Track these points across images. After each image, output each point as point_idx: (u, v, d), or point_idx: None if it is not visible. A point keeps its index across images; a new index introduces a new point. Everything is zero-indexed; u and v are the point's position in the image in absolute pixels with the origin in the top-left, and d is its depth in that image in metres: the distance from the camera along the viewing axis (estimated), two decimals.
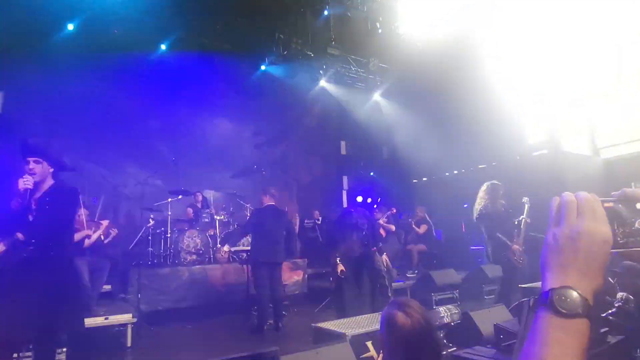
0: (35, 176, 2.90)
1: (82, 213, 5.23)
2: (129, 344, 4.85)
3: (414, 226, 8.13)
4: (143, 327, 5.33)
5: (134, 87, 7.49)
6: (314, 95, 9.17)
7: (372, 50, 8.32)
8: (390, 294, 5.60)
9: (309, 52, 8.27)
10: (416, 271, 7.60)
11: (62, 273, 3.01)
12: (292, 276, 7.48)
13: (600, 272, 0.64)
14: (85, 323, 4.64)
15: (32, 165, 2.92)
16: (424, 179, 9.61)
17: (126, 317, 4.90)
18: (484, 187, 5.29)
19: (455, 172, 9.20)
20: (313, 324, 4.85)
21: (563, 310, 0.60)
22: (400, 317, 1.68)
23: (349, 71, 8.79)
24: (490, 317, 3.42)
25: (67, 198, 3.07)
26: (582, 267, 0.64)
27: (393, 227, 7.50)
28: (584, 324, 0.61)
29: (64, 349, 4.00)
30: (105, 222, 5.51)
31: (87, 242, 5.26)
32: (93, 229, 5.35)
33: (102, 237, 5.44)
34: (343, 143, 9.56)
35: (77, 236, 5.04)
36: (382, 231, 7.29)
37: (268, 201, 5.88)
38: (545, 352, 0.59)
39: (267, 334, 5.42)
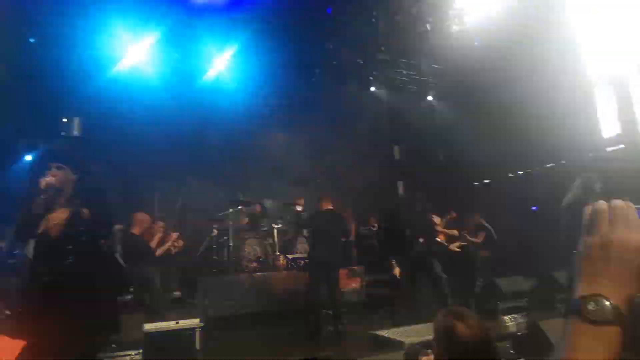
0: (56, 180, 2.82)
1: (161, 224, 5.80)
2: (198, 347, 5.17)
3: (468, 237, 7.73)
4: (210, 332, 5.66)
5: (196, 103, 8.00)
6: (364, 101, 9.22)
7: (423, 52, 8.22)
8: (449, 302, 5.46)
9: (358, 60, 8.35)
10: (480, 279, 7.31)
11: (108, 278, 3.12)
12: (350, 283, 7.53)
13: (635, 280, 0.65)
14: (158, 326, 5.07)
15: (54, 171, 2.84)
16: (486, 180, 9.24)
17: (195, 322, 5.23)
18: (577, 182, 4.93)
19: (520, 172, 8.74)
20: (370, 331, 4.90)
21: (593, 318, 0.61)
22: (460, 327, 1.58)
23: (400, 75, 8.75)
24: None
25: (96, 197, 2.99)
26: (614, 275, 0.64)
27: (456, 232, 7.29)
28: (615, 331, 0.61)
29: (140, 350, 4.37)
30: (174, 235, 5.96)
31: (158, 252, 5.72)
32: (165, 240, 5.84)
33: (172, 249, 5.89)
34: (396, 148, 9.48)
35: (155, 245, 5.56)
36: (441, 236, 7.12)
37: (326, 205, 6.00)
38: (574, 358, 0.61)
39: (325, 339, 5.51)
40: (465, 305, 5.24)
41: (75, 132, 6.31)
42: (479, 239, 7.71)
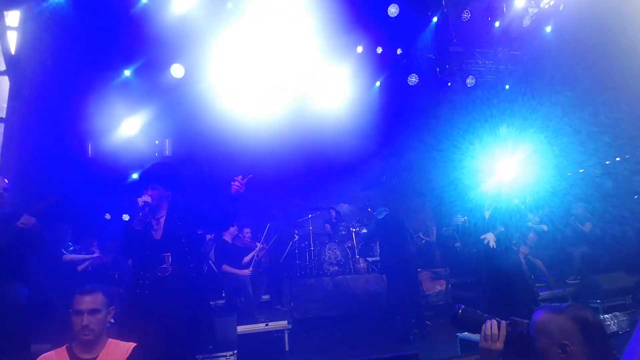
0: (153, 201, 3.14)
1: (248, 231, 6.43)
2: (287, 348, 5.59)
3: (578, 224, 7.31)
4: (297, 333, 6.06)
5: (274, 114, 8.51)
6: (439, 96, 9.12)
7: (498, 39, 7.99)
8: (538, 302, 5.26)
9: (430, 55, 8.33)
10: (579, 277, 6.86)
11: (203, 283, 3.49)
12: (435, 286, 7.52)
13: None
14: (250, 328, 5.57)
15: (149, 192, 3.17)
16: (581, 170, 8.62)
17: (283, 324, 5.67)
18: None
19: (607, 162, 8.09)
20: (459, 334, 4.91)
21: None
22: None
23: (475, 65, 8.54)
24: None
25: (189, 213, 3.32)
26: None
27: (545, 228, 6.95)
28: None
29: (235, 351, 4.85)
30: (259, 245, 6.52)
31: (245, 259, 6.28)
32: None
33: (256, 257, 6.43)
34: (476, 143, 9.21)
35: (246, 258, 6.16)
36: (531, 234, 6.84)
37: (381, 215, 6.20)
38: None
39: (412, 343, 5.61)
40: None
41: (167, 153, 7.19)
42: (587, 229, 7.27)
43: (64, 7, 5.77)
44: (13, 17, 5.85)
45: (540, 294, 6.25)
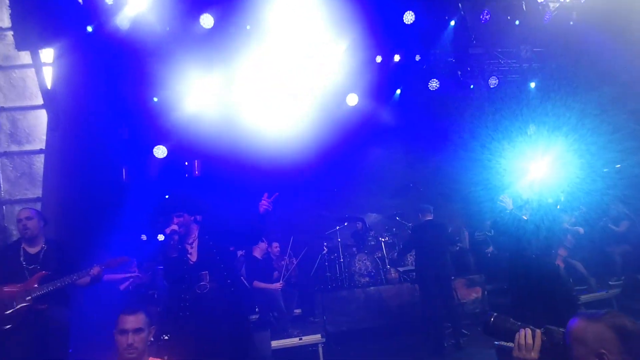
0: (180, 228, 3.36)
1: (277, 246, 6.60)
2: None
3: (610, 225, 7.12)
4: (331, 347, 6.12)
5: (297, 127, 8.71)
6: (462, 99, 9.08)
7: (520, 38, 7.92)
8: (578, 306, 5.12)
9: (450, 59, 8.35)
10: (622, 277, 6.63)
11: (240, 298, 3.60)
12: (470, 293, 7.42)
13: None
14: (284, 343, 5.69)
15: (175, 221, 3.38)
16: (617, 165, 8.33)
17: (316, 338, 5.76)
18: None
19: None
20: (496, 342, 4.84)
21: None
22: (630, 323, 1.54)
23: (498, 66, 8.47)
24: None
25: (220, 233, 3.52)
26: None
27: (581, 230, 6.77)
28: None
29: None
30: (286, 260, 6.67)
31: (275, 274, 6.43)
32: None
33: (286, 271, 6.57)
34: (506, 143, 9.09)
35: (277, 273, 6.32)
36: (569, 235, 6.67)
37: (425, 216, 6.15)
38: None
39: (448, 353, 5.57)
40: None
41: (196, 173, 7.51)
42: (621, 229, 7.04)
43: (94, 42, 6.17)
44: (48, 54, 6.30)
45: (582, 297, 6.08)
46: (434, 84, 8.43)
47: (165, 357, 2.78)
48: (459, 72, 8.61)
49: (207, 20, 6.36)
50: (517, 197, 5.78)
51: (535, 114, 8.59)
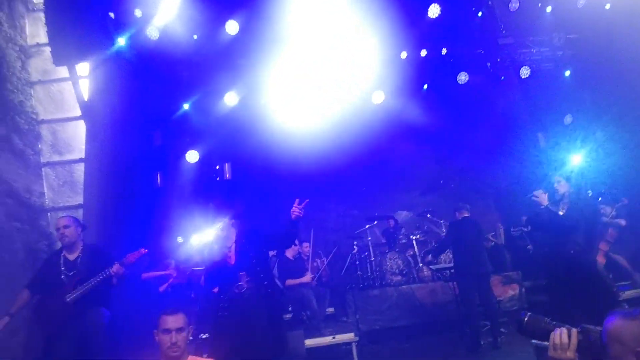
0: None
1: (307, 245, 6.71)
2: None
3: None
4: (365, 345, 6.14)
5: (325, 127, 8.77)
6: (493, 91, 8.86)
7: (552, 25, 7.65)
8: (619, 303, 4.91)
9: (478, 51, 8.18)
10: None
11: (277, 298, 3.80)
12: (507, 291, 7.27)
13: None
14: (318, 342, 5.75)
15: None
16: None
17: (349, 336, 5.78)
18: None
19: None
20: (534, 341, 4.73)
21: None
22: None
23: (529, 55, 8.21)
24: None
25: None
26: None
27: (623, 222, 6.48)
28: None
29: None
30: (325, 260, 6.76)
31: (307, 274, 6.52)
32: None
33: (318, 269, 6.65)
34: (540, 135, 8.79)
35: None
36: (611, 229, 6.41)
37: (462, 214, 6.08)
38: None
39: (484, 352, 5.48)
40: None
41: (227, 176, 7.71)
42: None
43: (125, 53, 6.45)
44: (83, 67, 6.64)
45: (625, 293, 5.83)
46: (462, 78, 8.28)
47: (205, 355, 2.89)
48: (489, 64, 8.42)
49: (232, 27, 6.52)
50: (553, 191, 5.61)
51: (572, 103, 8.28)
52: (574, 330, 1.71)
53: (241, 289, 3.44)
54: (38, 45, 6.41)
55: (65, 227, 3.99)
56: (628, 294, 5.90)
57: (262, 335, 3.37)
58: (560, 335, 1.70)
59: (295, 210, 3.53)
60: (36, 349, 4.24)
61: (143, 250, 4.01)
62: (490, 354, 5.45)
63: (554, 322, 1.80)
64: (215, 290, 3.73)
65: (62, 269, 3.92)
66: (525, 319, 1.85)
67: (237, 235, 3.65)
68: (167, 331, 2.57)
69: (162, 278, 6.80)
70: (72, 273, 3.90)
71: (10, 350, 4.36)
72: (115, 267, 3.83)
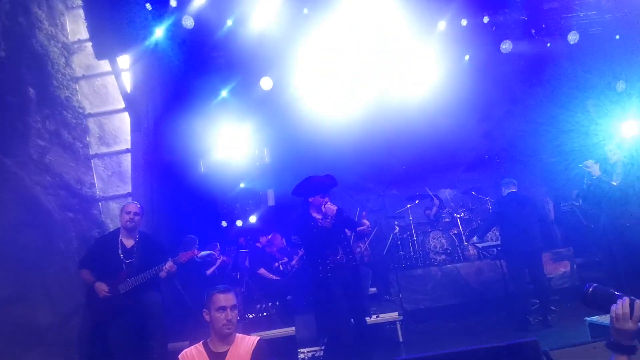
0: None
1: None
2: (400, 339, 5.74)
3: None
4: (409, 324, 6.17)
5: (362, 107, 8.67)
6: (539, 59, 8.40)
7: None
8: None
9: (522, 17, 7.75)
10: None
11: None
12: (558, 268, 7.04)
13: None
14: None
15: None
16: None
17: (393, 315, 5.83)
18: None
19: None
20: (587, 318, 4.58)
21: None
22: None
23: (577, 19, 7.69)
24: None
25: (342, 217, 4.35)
26: None
27: None
28: None
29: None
30: (366, 240, 6.80)
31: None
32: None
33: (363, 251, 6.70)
34: (590, 103, 8.31)
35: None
36: None
37: (509, 189, 5.89)
38: None
39: (534, 329, 5.37)
40: None
41: (267, 160, 7.88)
42: None
43: (163, 44, 6.60)
44: (124, 60, 6.85)
45: None
46: (506, 46, 7.90)
47: (251, 334, 3.00)
48: (533, 31, 7.96)
49: (265, 9, 6.50)
50: (605, 161, 5.33)
51: (624, 69, 7.74)
52: (638, 301, 1.66)
53: (342, 260, 4.14)
54: (80, 41, 6.64)
55: (136, 214, 4.26)
56: None
57: (356, 294, 4.26)
58: (623, 305, 1.66)
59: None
60: (90, 334, 4.55)
61: (196, 252, 4.23)
62: (540, 332, 5.32)
63: (618, 293, 1.75)
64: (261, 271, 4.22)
65: (121, 254, 4.14)
66: (590, 290, 1.81)
67: (337, 212, 4.11)
68: (223, 309, 2.66)
69: (210, 261, 7.08)
70: (129, 261, 4.11)
71: (63, 335, 4.62)
72: (168, 265, 4.04)
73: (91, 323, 4.34)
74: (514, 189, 5.92)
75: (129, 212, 4.21)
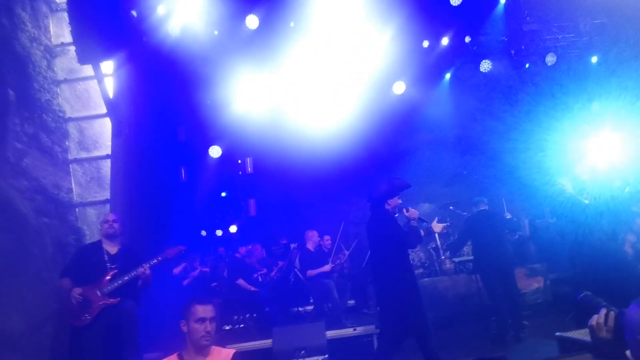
0: None
1: (328, 238, 6.80)
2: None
3: None
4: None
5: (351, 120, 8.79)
6: (518, 79, 8.70)
7: (578, 10, 7.45)
8: None
9: (502, 38, 8.03)
10: None
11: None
12: (532, 283, 7.24)
13: None
14: (339, 333, 5.86)
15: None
16: None
17: (370, 328, 5.87)
18: None
19: None
20: (558, 333, 4.71)
21: None
22: None
23: (555, 42, 8.01)
24: None
25: None
26: None
27: None
28: None
29: (326, 356, 5.14)
30: (346, 252, 6.83)
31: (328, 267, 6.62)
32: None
33: (339, 261, 6.73)
34: (566, 123, 8.61)
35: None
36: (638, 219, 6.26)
37: (478, 207, 6.05)
38: None
39: (508, 344, 5.48)
40: None
41: (249, 170, 7.87)
42: None
43: (148, 51, 6.60)
44: (108, 65, 6.82)
45: None
46: (486, 66, 8.16)
47: (227, 346, 3.01)
48: (513, 51, 8.26)
49: (252, 21, 6.58)
50: (578, 180, 5.53)
51: (600, 91, 8.06)
52: (612, 313, 1.80)
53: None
54: (63, 44, 6.59)
55: (114, 221, 4.35)
56: None
57: None
58: (599, 315, 1.81)
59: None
60: (63, 343, 4.46)
61: (182, 247, 4.25)
62: (513, 347, 5.44)
63: (604, 304, 1.90)
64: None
65: (107, 262, 4.15)
66: (580, 296, 2.03)
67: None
68: (202, 320, 2.63)
69: (185, 272, 7.03)
70: (114, 266, 4.13)
71: (35, 343, 4.52)
72: (143, 268, 4.05)
73: (65, 332, 4.29)
74: (484, 207, 6.08)
75: (107, 221, 4.35)
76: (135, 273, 4.05)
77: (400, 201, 4.47)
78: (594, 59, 8.16)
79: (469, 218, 6.33)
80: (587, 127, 8.30)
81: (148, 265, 4.08)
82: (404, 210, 4.43)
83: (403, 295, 4.20)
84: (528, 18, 7.64)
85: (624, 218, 5.38)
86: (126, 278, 4.03)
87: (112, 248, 4.26)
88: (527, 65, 8.45)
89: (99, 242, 4.33)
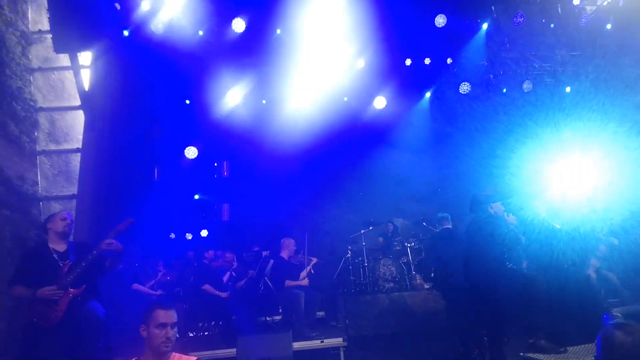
0: None
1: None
2: None
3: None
4: (353, 351, 6.11)
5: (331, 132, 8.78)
6: (495, 103, 8.91)
7: (555, 41, 7.73)
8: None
9: (482, 62, 8.22)
10: None
11: None
12: None
13: None
14: (306, 345, 5.73)
15: None
16: None
17: (338, 341, 5.76)
18: None
19: None
20: (522, 354, 4.74)
21: None
22: (619, 336, 1.64)
23: (532, 70, 8.27)
24: None
25: None
26: None
27: (616, 241, 6.51)
28: None
29: None
30: (314, 259, 6.70)
31: (302, 274, 6.48)
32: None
33: (312, 271, 6.61)
34: (537, 149, 8.87)
35: (303, 273, 6.39)
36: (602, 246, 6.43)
37: (442, 225, 6.04)
38: None
39: None
40: None
41: (225, 174, 7.73)
42: None
43: (130, 46, 6.43)
44: (86, 57, 6.60)
45: (614, 310, 5.84)
46: (465, 87, 8.33)
47: (189, 354, 2.86)
48: (491, 76, 8.47)
49: (238, 25, 6.51)
50: (550, 205, 5.63)
51: (571, 119, 8.34)
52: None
53: None
54: (40, 32, 6.35)
55: (72, 220, 4.20)
56: (616, 311, 5.91)
57: None
58: None
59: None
60: (21, 343, 4.18)
61: (131, 219, 4.09)
62: None
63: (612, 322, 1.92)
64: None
65: (57, 259, 3.93)
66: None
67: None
68: (163, 325, 2.53)
69: (151, 277, 6.75)
70: (66, 262, 3.92)
71: None
72: (108, 241, 3.90)
73: (24, 334, 4.01)
74: (448, 225, 6.06)
75: (65, 219, 4.11)
76: (91, 257, 3.86)
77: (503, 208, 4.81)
78: (568, 89, 8.44)
79: (432, 236, 6.34)
80: (558, 154, 8.56)
81: (104, 243, 3.88)
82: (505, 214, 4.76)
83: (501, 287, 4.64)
84: (507, 45, 7.86)
85: (592, 243, 5.51)
86: (83, 264, 3.85)
87: (60, 246, 4.05)
88: (504, 90, 8.67)
89: (44, 242, 4.10)
